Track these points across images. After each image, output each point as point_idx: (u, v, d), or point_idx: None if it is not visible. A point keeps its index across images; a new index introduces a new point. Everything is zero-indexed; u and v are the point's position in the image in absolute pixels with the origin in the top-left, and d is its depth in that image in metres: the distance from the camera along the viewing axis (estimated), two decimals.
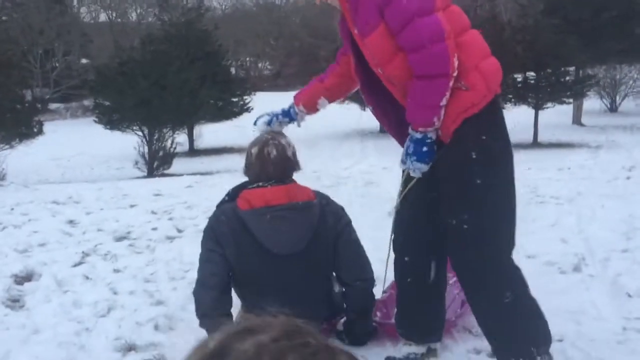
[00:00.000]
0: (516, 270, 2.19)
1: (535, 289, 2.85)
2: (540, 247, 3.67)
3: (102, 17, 46.62)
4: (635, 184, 6.25)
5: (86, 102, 26.52)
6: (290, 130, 2.66)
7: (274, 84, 37.58)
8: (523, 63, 14.13)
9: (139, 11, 46.15)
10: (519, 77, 14.80)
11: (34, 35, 29.35)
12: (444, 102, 2.03)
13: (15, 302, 3.09)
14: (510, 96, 14.90)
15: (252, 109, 17.82)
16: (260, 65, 44.03)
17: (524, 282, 2.19)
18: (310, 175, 6.75)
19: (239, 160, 2.55)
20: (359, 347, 2.41)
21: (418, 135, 2.09)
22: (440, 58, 1.98)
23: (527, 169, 7.79)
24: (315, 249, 2.22)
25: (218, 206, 2.32)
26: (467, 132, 2.09)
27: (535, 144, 14.00)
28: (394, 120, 2.33)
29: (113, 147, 15.35)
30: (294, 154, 2.35)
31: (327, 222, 2.25)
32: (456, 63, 2.00)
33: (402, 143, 2.24)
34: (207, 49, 17.48)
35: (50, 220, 5.26)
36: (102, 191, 7.12)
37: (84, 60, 32.45)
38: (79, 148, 17.18)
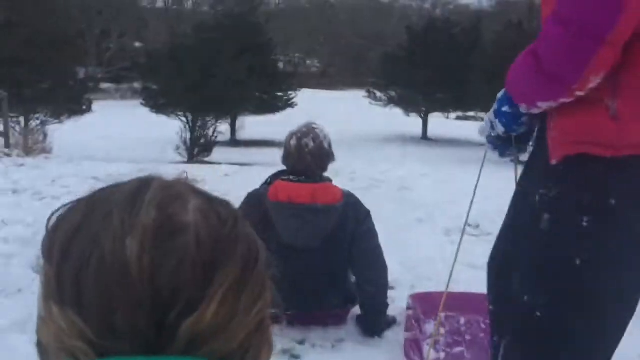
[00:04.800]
0: None
1: None
2: None
3: (160, 2, 47.65)
4: None
5: (136, 85, 27.16)
6: (329, 130, 2.68)
7: (320, 81, 37.74)
8: None
9: None
10: None
11: (92, 15, 30.21)
12: (544, 107, 1.43)
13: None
14: None
15: (296, 104, 17.94)
16: (308, 62, 44.26)
17: None
18: (346, 176, 6.76)
19: (279, 155, 2.57)
20: (372, 337, 2.42)
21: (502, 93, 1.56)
22: (573, 57, 1.30)
23: None
24: (330, 249, 2.26)
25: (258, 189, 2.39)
26: (587, 179, 1.40)
27: None
28: None
29: (157, 131, 15.68)
30: (330, 145, 2.39)
31: (345, 228, 2.27)
32: (593, 84, 1.31)
33: None
34: (258, 42, 17.68)
35: None
36: (141, 173, 7.25)
37: (137, 44, 33.23)
38: (125, 129, 17.60)
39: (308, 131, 2.37)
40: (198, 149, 12.67)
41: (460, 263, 3.81)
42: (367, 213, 2.33)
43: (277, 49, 20.81)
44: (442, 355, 2.25)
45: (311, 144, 2.32)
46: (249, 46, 16.89)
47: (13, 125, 9.47)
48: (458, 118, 23.56)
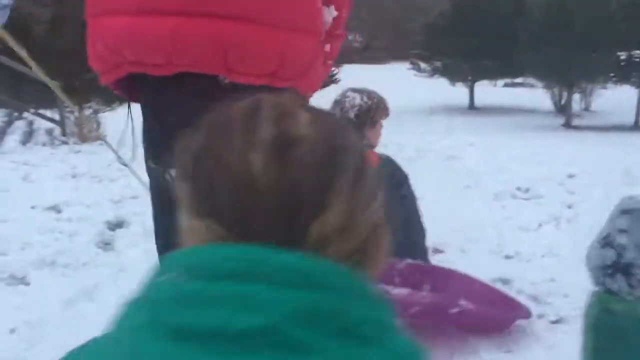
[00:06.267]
0: None
1: None
2: None
3: None
4: None
5: None
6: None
7: (364, 56, 37.36)
8: (628, 40, 13.29)
9: None
10: (622, 55, 13.96)
11: None
12: None
13: (106, 245, 3.36)
14: (612, 75, 14.09)
15: (340, 80, 17.88)
16: (350, 37, 43.86)
17: None
18: (393, 147, 6.75)
19: None
20: None
21: None
22: None
23: (622, 152, 7.41)
24: None
25: None
26: None
27: (636, 126, 13.22)
28: None
29: None
30: (358, 112, 2.37)
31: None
32: None
33: None
34: None
35: (143, 176, 5.60)
36: None
37: None
38: None
39: (340, 100, 2.41)
40: None
41: (510, 226, 3.81)
42: (405, 178, 2.33)
43: None
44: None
45: (338, 111, 2.36)
46: None
47: (68, 114, 9.81)
48: (506, 85, 23.00)
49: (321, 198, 0.53)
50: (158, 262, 0.53)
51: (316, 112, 0.58)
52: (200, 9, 1.30)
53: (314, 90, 1.52)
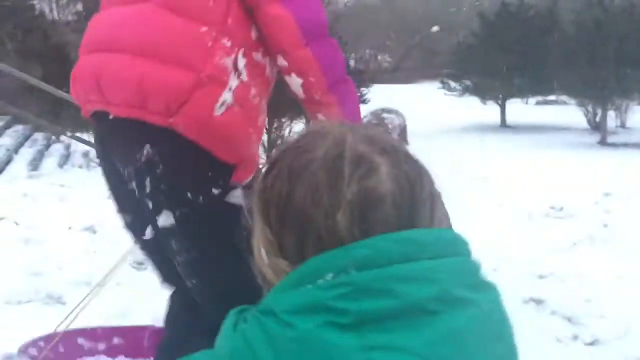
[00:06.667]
0: None
1: None
2: None
3: None
4: None
5: None
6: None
7: (393, 76, 37.38)
8: None
9: None
10: None
11: None
12: None
13: (140, 265, 3.42)
14: None
15: (369, 101, 17.91)
16: (379, 58, 44.01)
17: None
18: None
19: None
20: None
21: None
22: None
23: None
24: None
25: None
26: None
27: None
28: None
29: None
30: (404, 128, 2.43)
31: None
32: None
33: None
34: None
35: None
36: None
37: None
38: None
39: (379, 124, 2.45)
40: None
41: (544, 245, 3.74)
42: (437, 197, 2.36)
43: (347, 47, 20.84)
44: None
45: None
46: None
47: None
48: (538, 103, 22.70)
49: None
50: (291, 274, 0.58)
51: (394, 156, 0.61)
52: (87, 42, 1.42)
53: (215, 138, 1.34)
